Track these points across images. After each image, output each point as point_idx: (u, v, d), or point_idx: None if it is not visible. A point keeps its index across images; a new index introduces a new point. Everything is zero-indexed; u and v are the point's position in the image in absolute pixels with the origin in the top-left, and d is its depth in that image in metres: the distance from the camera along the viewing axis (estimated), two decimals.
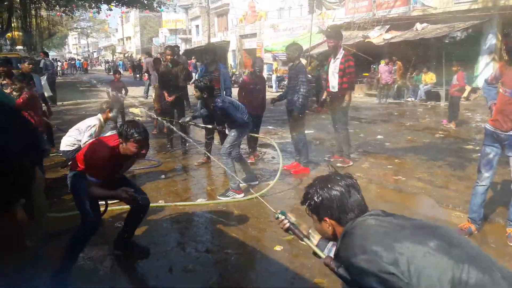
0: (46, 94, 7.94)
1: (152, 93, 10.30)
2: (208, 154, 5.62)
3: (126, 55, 46.22)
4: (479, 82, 13.13)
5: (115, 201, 4.23)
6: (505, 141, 3.42)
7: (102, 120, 4.85)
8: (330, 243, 1.78)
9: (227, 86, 6.17)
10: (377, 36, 15.07)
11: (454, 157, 6.36)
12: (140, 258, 3.33)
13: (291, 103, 5.56)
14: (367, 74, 16.24)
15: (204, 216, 4.27)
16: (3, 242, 0.66)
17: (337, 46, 5.67)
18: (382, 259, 1.39)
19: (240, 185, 4.75)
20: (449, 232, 1.52)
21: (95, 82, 17.48)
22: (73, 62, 44.71)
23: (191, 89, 6.59)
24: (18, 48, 20.16)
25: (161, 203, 4.51)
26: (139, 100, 14.11)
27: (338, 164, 5.87)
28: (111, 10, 23.11)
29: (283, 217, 1.89)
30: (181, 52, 15.36)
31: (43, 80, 8.89)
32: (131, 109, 9.14)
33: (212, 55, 6.56)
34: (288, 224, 1.87)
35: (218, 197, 4.69)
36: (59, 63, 36.62)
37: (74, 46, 77.43)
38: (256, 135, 6.06)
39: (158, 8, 23.66)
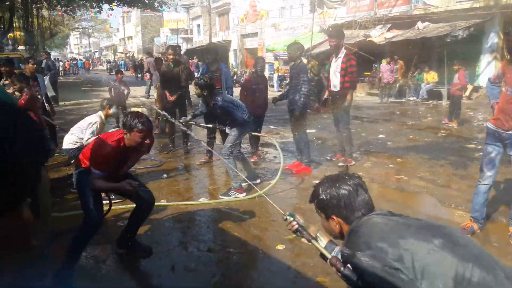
0: (49, 94, 7.97)
1: (153, 93, 10.31)
2: (212, 151, 5.64)
3: (127, 55, 46.25)
4: (481, 81, 13.12)
5: (119, 200, 4.26)
6: (506, 140, 3.41)
7: (103, 117, 4.86)
8: (338, 248, 1.79)
9: (228, 86, 6.17)
10: (379, 35, 15.04)
11: (456, 156, 6.35)
12: (143, 257, 3.33)
13: (293, 103, 5.57)
14: (368, 73, 16.23)
15: (206, 216, 4.28)
16: (10, 241, 0.66)
17: (339, 45, 5.66)
18: (387, 255, 1.40)
19: (242, 184, 4.76)
20: (453, 231, 1.54)
21: (102, 78, 17.45)
22: (75, 62, 44.80)
23: (192, 89, 6.59)
24: (20, 48, 20.19)
25: (163, 202, 4.52)
26: (141, 99, 14.15)
27: (340, 164, 5.88)
28: (112, 9, 23.20)
29: (291, 219, 1.90)
30: (182, 52, 15.37)
31: (46, 80, 8.93)
32: (133, 109, 9.15)
33: (214, 54, 6.58)
34: (296, 226, 1.88)
35: (220, 197, 4.70)
36: (61, 63, 36.65)
37: (75, 46, 77.60)
38: (257, 134, 6.07)
39: (159, 8, 23.69)
